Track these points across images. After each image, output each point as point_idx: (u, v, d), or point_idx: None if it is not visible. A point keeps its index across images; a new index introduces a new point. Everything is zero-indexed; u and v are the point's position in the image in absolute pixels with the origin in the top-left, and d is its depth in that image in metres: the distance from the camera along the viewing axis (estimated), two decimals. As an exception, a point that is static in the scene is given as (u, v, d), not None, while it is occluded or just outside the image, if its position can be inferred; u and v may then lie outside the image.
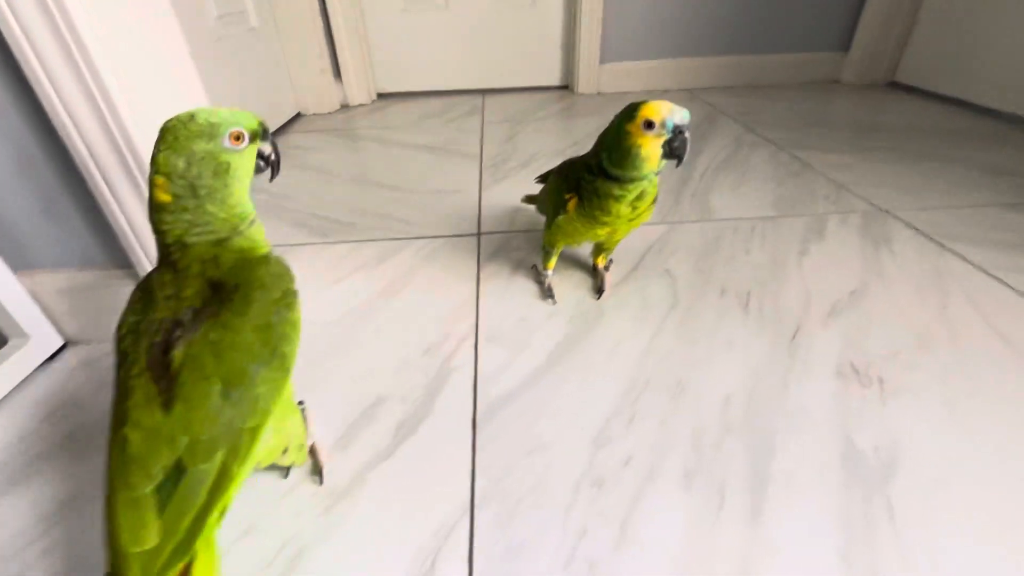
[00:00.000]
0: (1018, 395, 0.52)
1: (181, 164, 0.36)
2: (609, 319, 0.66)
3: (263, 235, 0.42)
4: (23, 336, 0.61)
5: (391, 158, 1.25)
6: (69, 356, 0.65)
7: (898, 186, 0.98)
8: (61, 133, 0.51)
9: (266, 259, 0.40)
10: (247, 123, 0.40)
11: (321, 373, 0.59)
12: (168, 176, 0.37)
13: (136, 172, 0.54)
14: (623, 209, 0.56)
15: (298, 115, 1.64)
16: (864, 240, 0.81)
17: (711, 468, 0.46)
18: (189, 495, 0.33)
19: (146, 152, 0.54)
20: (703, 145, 1.23)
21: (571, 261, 0.78)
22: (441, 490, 0.46)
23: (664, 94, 1.70)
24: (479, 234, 0.88)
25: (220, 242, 0.39)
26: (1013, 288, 0.68)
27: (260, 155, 0.42)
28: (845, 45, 1.71)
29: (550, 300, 0.70)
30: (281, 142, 1.40)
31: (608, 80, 1.73)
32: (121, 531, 0.31)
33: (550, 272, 0.71)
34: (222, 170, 0.38)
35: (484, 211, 0.96)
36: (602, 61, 1.70)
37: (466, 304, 0.70)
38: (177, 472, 0.33)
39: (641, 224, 0.63)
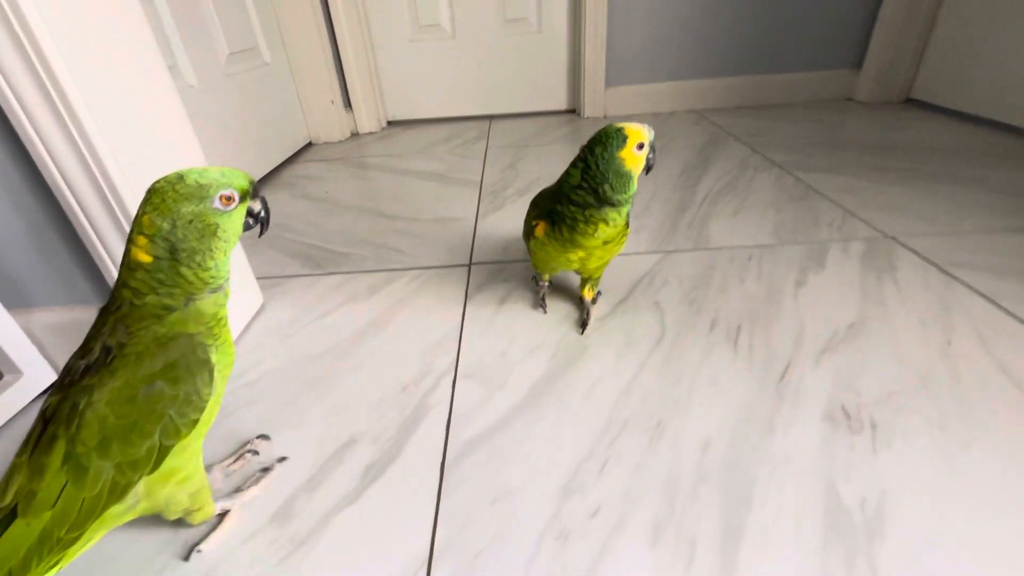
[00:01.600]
0: (1021, 445, 0.48)
1: (166, 226, 0.36)
2: (592, 355, 0.64)
3: (217, 310, 0.40)
4: (16, 372, 0.62)
5: (395, 186, 1.27)
6: (62, 390, 0.66)
7: (908, 210, 0.95)
8: (50, 182, 0.53)
9: (175, 338, 0.37)
10: (237, 183, 0.38)
11: (297, 411, 0.59)
12: (151, 237, 0.36)
13: (121, 217, 0.56)
14: (610, 231, 0.57)
15: (309, 144, 1.68)
16: (867, 269, 0.77)
17: (683, 520, 0.44)
18: (10, 544, 0.32)
19: (131, 199, 0.55)
20: (706, 169, 1.21)
21: (559, 295, 0.77)
22: (402, 539, 0.44)
23: (671, 116, 1.69)
24: (470, 264, 0.87)
25: (165, 310, 0.37)
26: (1025, 322, 0.64)
27: (249, 213, 0.42)
28: (857, 63, 1.67)
29: (541, 309, 0.73)
30: (290, 171, 1.44)
31: (614, 103, 1.73)
32: None
33: (545, 284, 0.73)
34: (209, 232, 0.37)
35: (479, 240, 0.96)
36: (608, 85, 1.70)
37: (449, 337, 0.69)
38: (10, 517, 0.32)
39: (617, 253, 0.63)
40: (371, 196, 1.22)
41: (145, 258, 0.36)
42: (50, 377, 0.66)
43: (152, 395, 0.35)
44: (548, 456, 0.51)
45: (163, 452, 0.37)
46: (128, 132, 0.56)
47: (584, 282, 0.70)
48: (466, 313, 0.74)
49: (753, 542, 0.42)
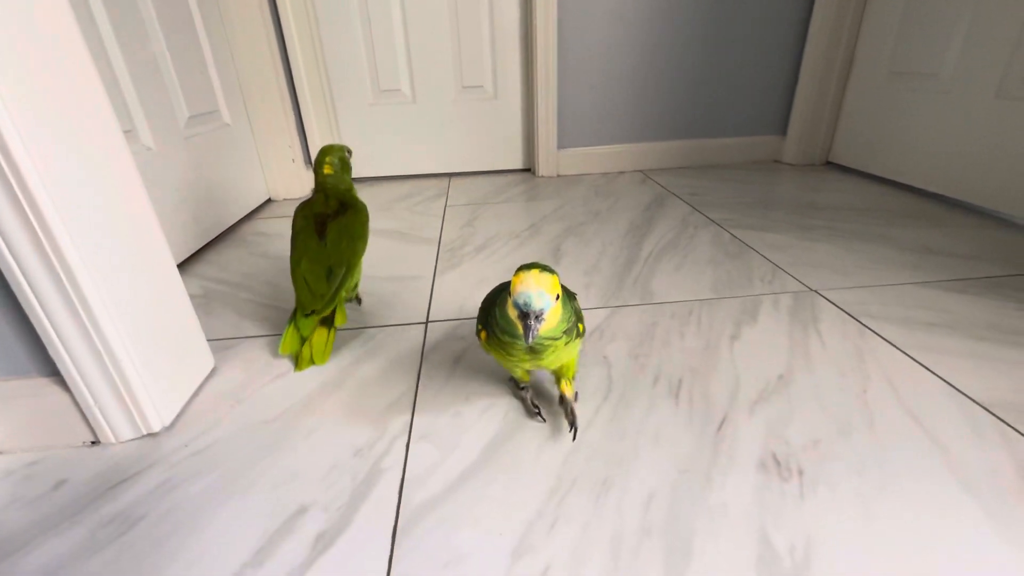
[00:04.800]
0: (929, 487, 0.53)
1: (336, 160, 0.87)
2: (543, 413, 0.66)
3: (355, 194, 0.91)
4: (-60, 450, 0.59)
5: (353, 244, 1.29)
6: (-11, 468, 0.63)
7: (830, 266, 1.04)
8: (-5, 252, 0.53)
9: (358, 200, 0.88)
10: (349, 147, 0.92)
11: (247, 480, 0.58)
12: (331, 164, 0.86)
13: (68, 286, 0.55)
14: (522, 353, 0.55)
15: (268, 200, 1.69)
16: (794, 322, 0.84)
17: (628, 577, 0.46)
18: (334, 279, 0.78)
19: (80, 268, 0.56)
20: (651, 227, 1.30)
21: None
22: (351, 612, 0.44)
23: (619, 175, 1.81)
24: (427, 322, 0.90)
25: (348, 189, 0.88)
26: (928, 368, 0.71)
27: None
28: (782, 130, 1.85)
29: (538, 418, 0.65)
30: (248, 228, 1.44)
31: (566, 163, 1.84)
32: (312, 284, 0.77)
33: (525, 386, 0.67)
34: (349, 162, 0.90)
35: (436, 297, 0.98)
36: (559, 147, 1.81)
37: (404, 397, 0.70)
38: (329, 270, 0.78)
39: (574, 355, 0.61)
40: (330, 254, 1.23)
41: (330, 171, 0.86)
42: (-23, 454, 0.63)
43: (366, 222, 0.87)
44: (499, 518, 0.52)
45: (364, 249, 0.86)
46: (80, 203, 0.56)
47: (558, 378, 0.65)
48: (421, 373, 0.76)
49: (693, 595, 0.44)
